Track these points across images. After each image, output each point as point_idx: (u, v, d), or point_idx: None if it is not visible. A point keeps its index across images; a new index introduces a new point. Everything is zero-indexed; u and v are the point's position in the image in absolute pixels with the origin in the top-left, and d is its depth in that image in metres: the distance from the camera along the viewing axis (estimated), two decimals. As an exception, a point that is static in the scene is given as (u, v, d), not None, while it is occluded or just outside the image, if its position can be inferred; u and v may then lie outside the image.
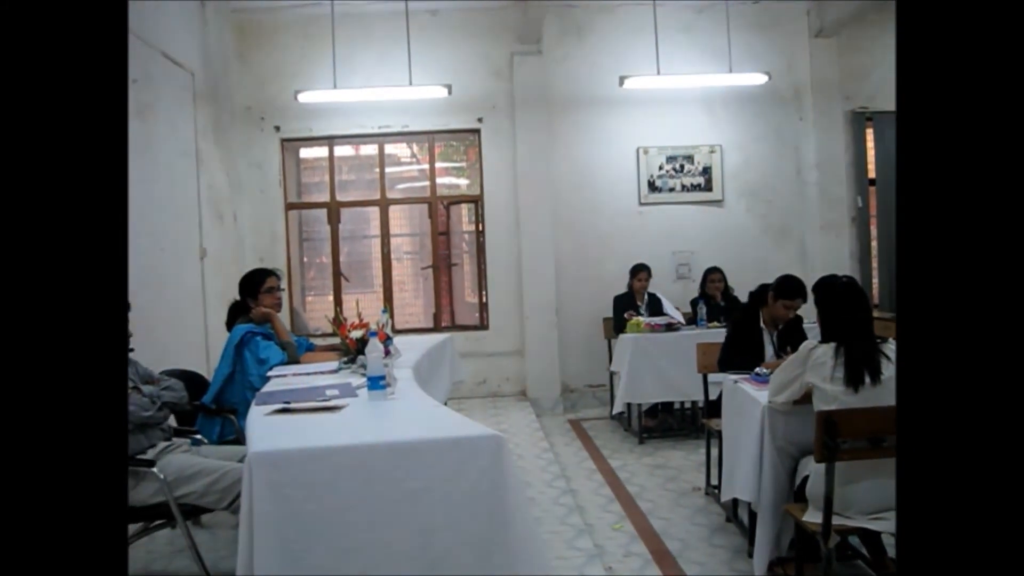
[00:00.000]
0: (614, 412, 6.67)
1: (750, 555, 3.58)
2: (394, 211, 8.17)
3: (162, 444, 3.36)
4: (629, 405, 6.42)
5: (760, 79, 7.08)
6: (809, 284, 3.54)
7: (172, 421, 3.78)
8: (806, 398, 3.15)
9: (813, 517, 2.95)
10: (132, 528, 3.38)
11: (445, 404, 3.62)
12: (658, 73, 6.90)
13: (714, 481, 4.45)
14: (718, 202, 7.90)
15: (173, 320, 5.86)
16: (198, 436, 3.72)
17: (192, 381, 4.20)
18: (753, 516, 3.50)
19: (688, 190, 7.88)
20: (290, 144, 7.96)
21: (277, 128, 7.76)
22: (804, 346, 3.19)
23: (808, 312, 4.26)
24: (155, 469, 3.11)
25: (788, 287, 4.35)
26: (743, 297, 5.75)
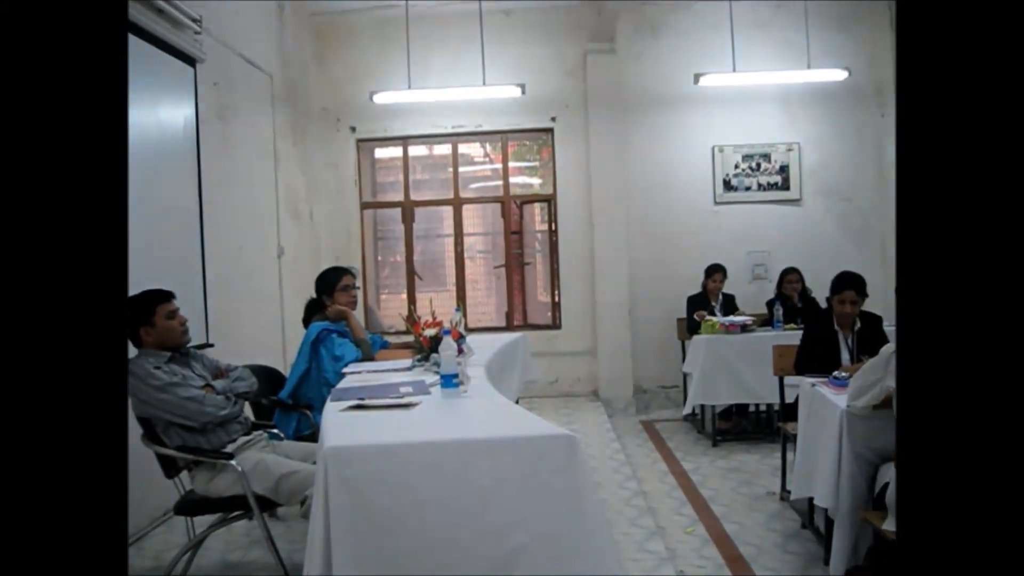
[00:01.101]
0: (685, 413, 6.60)
1: (826, 563, 3.49)
2: (467, 210, 8.22)
3: (242, 439, 3.44)
4: (703, 407, 6.36)
5: (840, 75, 6.89)
6: (891, 286, 3.43)
7: (249, 413, 3.86)
8: (886, 403, 3.06)
9: (893, 526, 2.86)
10: (211, 518, 3.47)
11: (516, 403, 3.62)
12: (734, 70, 6.80)
13: (790, 486, 4.36)
14: (795, 201, 7.75)
15: (251, 317, 6.01)
16: (275, 431, 3.79)
17: (269, 377, 4.29)
18: (830, 523, 3.42)
19: (764, 189, 7.75)
20: (365, 144, 8.08)
21: (353, 129, 7.89)
22: (886, 349, 3.10)
23: (889, 314, 4.14)
24: (234, 462, 3.19)
25: (835, 281, 4.25)
26: (821, 299, 5.63)
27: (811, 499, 3.72)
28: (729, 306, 6.83)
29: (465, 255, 8.14)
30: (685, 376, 6.77)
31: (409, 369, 3.88)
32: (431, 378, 3.47)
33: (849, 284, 4.22)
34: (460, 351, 3.49)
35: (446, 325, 3.81)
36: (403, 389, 3.23)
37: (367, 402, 3.01)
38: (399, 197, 8.14)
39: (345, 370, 3.96)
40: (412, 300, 7.94)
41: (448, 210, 8.16)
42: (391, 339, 5.32)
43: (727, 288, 6.93)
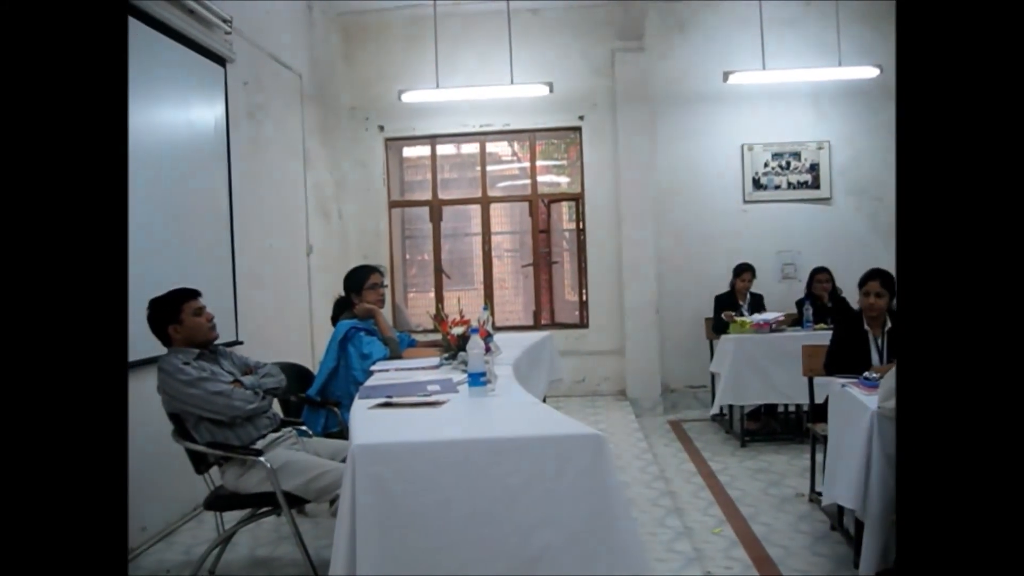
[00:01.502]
0: (713, 413, 6.57)
1: (855, 565, 3.45)
2: (495, 209, 8.23)
3: (271, 436, 3.47)
4: (731, 407, 6.32)
5: (871, 72, 6.80)
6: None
7: (278, 410, 3.89)
8: (919, 404, 3.02)
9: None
10: (240, 514, 3.51)
11: (543, 402, 3.62)
12: (763, 68, 6.75)
13: (819, 487, 4.32)
14: (826, 200, 7.68)
15: (280, 314, 6.05)
16: (303, 427, 3.81)
17: (298, 374, 4.32)
18: (859, 525, 3.38)
19: (794, 188, 7.68)
20: (393, 143, 8.10)
21: (381, 128, 7.92)
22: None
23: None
24: (263, 459, 3.21)
25: (861, 277, 4.22)
26: (852, 299, 5.58)
27: (840, 500, 3.69)
28: (757, 306, 6.78)
29: (493, 254, 8.15)
30: (713, 376, 6.72)
31: (437, 367, 3.89)
32: (458, 376, 3.48)
33: (873, 275, 4.18)
34: (487, 350, 3.50)
35: (474, 323, 3.82)
36: (430, 387, 3.24)
37: (395, 400, 3.02)
38: (427, 196, 8.16)
39: (373, 368, 3.98)
40: (440, 298, 7.97)
41: (476, 209, 8.17)
42: (419, 337, 5.33)
43: (756, 287, 6.89)
